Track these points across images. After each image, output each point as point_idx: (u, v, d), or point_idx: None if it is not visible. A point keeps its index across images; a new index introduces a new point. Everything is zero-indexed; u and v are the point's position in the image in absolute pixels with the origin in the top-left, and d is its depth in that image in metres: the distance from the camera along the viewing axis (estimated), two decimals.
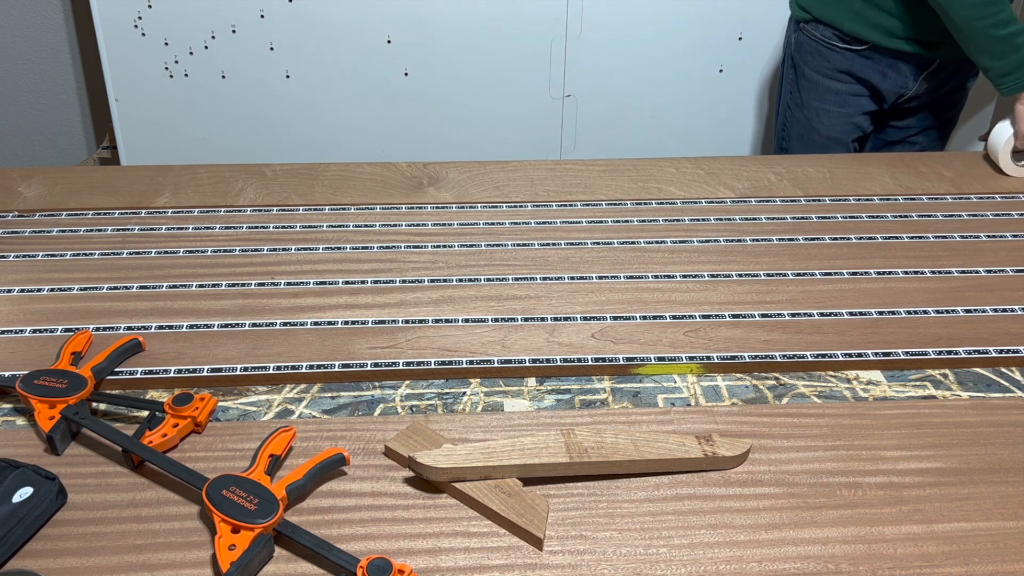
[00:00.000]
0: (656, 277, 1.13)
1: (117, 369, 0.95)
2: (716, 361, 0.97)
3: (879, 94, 1.59)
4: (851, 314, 1.06)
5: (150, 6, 1.95)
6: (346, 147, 2.18)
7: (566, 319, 1.04)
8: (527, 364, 0.97)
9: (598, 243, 1.21)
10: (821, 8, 1.53)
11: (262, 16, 1.99)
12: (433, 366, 0.96)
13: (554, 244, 1.21)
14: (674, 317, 1.05)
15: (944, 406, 0.91)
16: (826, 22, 1.54)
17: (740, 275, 1.14)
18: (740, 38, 2.12)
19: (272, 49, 2.03)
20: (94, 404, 0.89)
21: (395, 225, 1.26)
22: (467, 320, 1.04)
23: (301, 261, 1.17)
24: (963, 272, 1.14)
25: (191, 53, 2.01)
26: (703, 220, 1.28)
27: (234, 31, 2.00)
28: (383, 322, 1.04)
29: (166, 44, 1.99)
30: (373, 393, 0.94)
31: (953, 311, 1.06)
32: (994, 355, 0.98)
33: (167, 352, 0.98)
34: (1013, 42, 1.37)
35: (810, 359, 0.98)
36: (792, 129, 1.67)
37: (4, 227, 1.26)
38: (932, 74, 1.56)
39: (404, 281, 1.12)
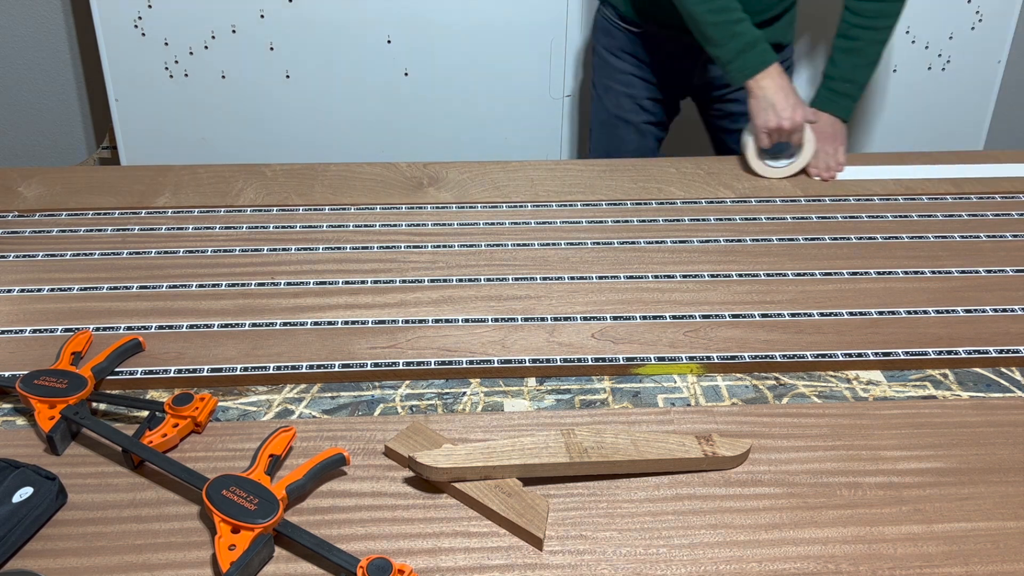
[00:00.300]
0: (656, 277, 1.13)
1: (117, 369, 0.95)
2: (716, 361, 0.97)
3: (668, 78, 1.60)
4: (851, 314, 1.06)
5: (150, 6, 1.95)
6: (346, 147, 2.18)
7: (566, 319, 1.04)
8: (527, 364, 0.97)
9: (598, 243, 1.21)
10: None
11: (262, 16, 1.99)
12: (433, 366, 0.96)
13: (554, 244, 1.21)
14: (674, 317, 1.05)
15: (944, 406, 0.91)
16: (611, 3, 1.57)
17: (740, 275, 1.14)
18: None
19: (272, 49, 2.03)
20: (94, 404, 0.89)
21: (395, 225, 1.26)
22: (467, 320, 1.04)
23: (301, 261, 1.17)
24: (963, 272, 1.14)
25: (191, 53, 2.01)
26: (703, 220, 1.28)
27: (234, 31, 1.99)
28: (383, 322, 1.04)
29: (166, 44, 1.99)
30: (373, 393, 0.94)
31: (953, 311, 1.06)
32: (994, 355, 0.98)
33: (167, 352, 0.98)
34: (731, 29, 1.35)
35: (810, 359, 0.98)
36: (594, 110, 1.69)
37: (4, 227, 1.26)
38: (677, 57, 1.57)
39: (404, 281, 1.12)
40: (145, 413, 0.88)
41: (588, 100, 2.17)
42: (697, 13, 1.36)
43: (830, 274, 1.14)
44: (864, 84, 1.46)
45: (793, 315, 1.05)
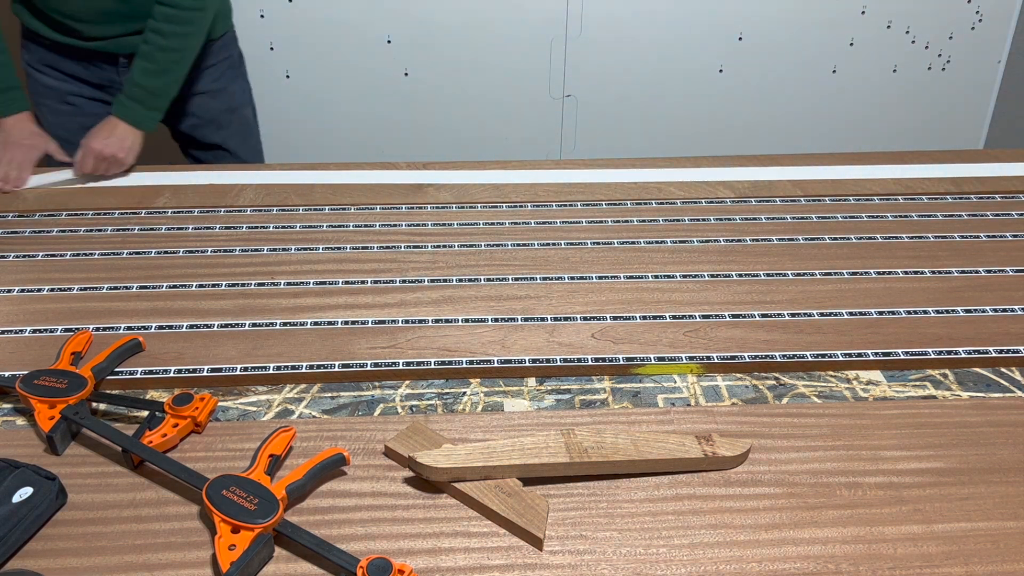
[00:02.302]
0: (656, 277, 1.13)
1: (117, 369, 0.95)
2: (716, 361, 0.97)
3: (105, 90, 1.55)
4: (851, 314, 1.06)
5: None
6: (346, 147, 2.18)
7: (566, 319, 1.04)
8: (527, 364, 0.97)
9: (598, 243, 1.21)
10: (16, 7, 1.50)
11: (262, 16, 1.99)
12: (433, 366, 0.96)
13: (554, 244, 1.21)
14: (674, 317, 1.05)
15: (944, 406, 0.91)
16: (18, 17, 1.51)
17: (740, 275, 1.14)
18: (740, 38, 2.13)
19: (272, 49, 2.03)
20: (94, 404, 0.89)
21: (395, 225, 1.26)
22: (467, 320, 1.04)
23: (301, 261, 1.17)
24: (963, 272, 1.14)
25: None
26: (703, 220, 1.28)
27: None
28: (383, 322, 1.04)
29: None
30: (373, 393, 0.94)
31: (953, 311, 1.06)
32: (994, 355, 0.98)
33: (167, 352, 0.98)
34: None
35: (810, 359, 0.98)
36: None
37: (4, 227, 1.26)
38: (125, 68, 1.51)
39: (404, 281, 1.12)
40: (145, 413, 0.88)
41: (587, 101, 2.17)
42: None
43: (830, 274, 1.14)
44: (158, 93, 1.43)
45: (793, 315, 1.05)
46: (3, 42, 1.41)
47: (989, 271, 1.15)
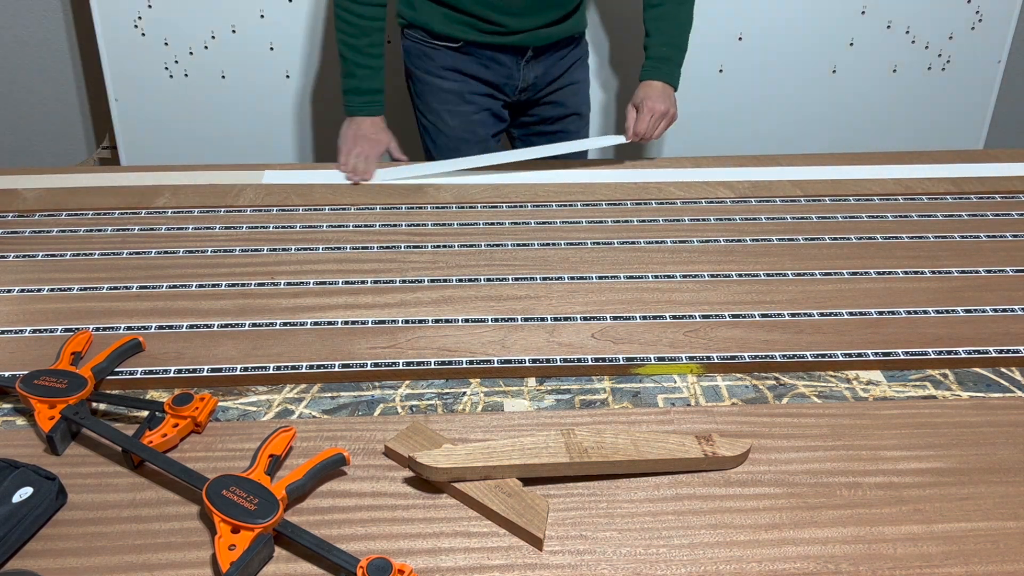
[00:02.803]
0: (656, 277, 1.13)
1: (117, 369, 0.95)
2: (716, 361, 0.97)
3: (496, 88, 1.59)
4: (851, 314, 1.06)
5: (150, 6, 1.95)
6: None
7: (566, 319, 1.04)
8: (527, 364, 0.97)
9: (598, 243, 1.21)
10: (412, 14, 1.54)
11: (262, 16, 1.99)
12: (433, 366, 0.96)
13: (554, 244, 1.21)
14: (674, 317, 1.05)
15: (944, 406, 0.91)
16: (419, 25, 1.54)
17: (740, 275, 1.14)
18: (740, 38, 2.12)
19: (272, 49, 2.03)
20: (94, 404, 0.89)
21: (395, 225, 1.26)
22: (467, 320, 1.04)
23: (301, 261, 1.17)
24: (963, 272, 1.14)
25: (191, 53, 2.01)
26: (703, 220, 1.28)
27: (234, 31, 1.99)
28: (383, 322, 1.04)
29: (166, 44, 1.99)
30: (373, 393, 0.94)
31: (953, 311, 1.06)
32: (994, 355, 0.98)
33: (167, 352, 0.98)
34: (351, 69, 1.49)
35: (810, 359, 0.98)
36: (425, 136, 1.66)
37: (4, 227, 1.26)
38: (530, 62, 1.56)
39: (404, 281, 1.12)
40: (145, 413, 0.88)
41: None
42: (337, 39, 1.49)
43: (830, 274, 1.14)
44: (681, 47, 1.56)
45: (793, 315, 1.05)
46: (383, 47, 1.49)
47: (989, 271, 1.15)
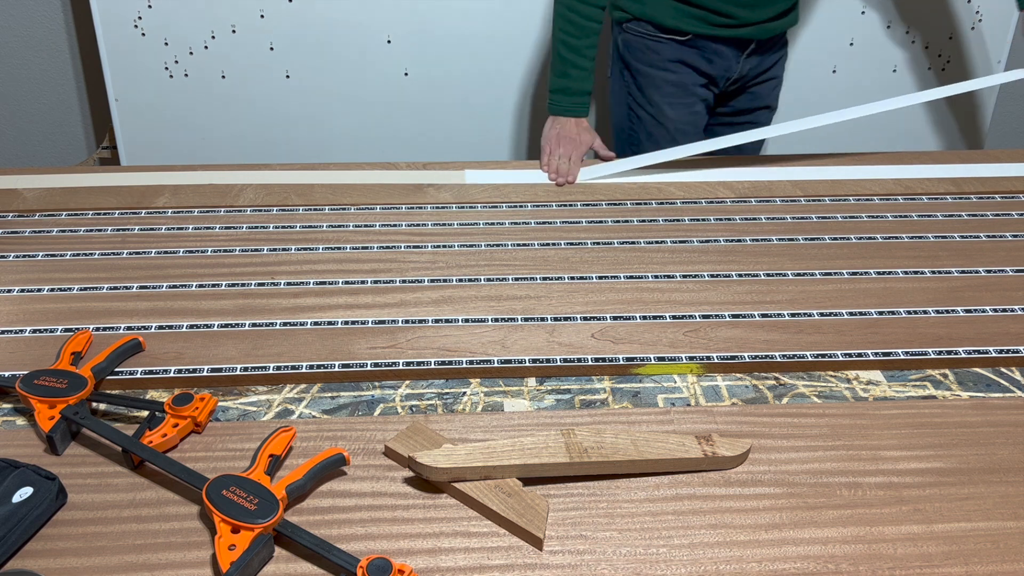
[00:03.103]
0: (656, 277, 1.13)
1: (117, 369, 0.95)
2: (716, 361, 0.97)
3: (710, 80, 1.61)
4: (851, 314, 1.06)
5: (150, 6, 1.95)
6: (346, 147, 2.18)
7: (566, 319, 1.04)
8: (527, 364, 0.97)
9: (598, 243, 1.21)
10: (638, 8, 1.55)
11: (262, 16, 1.99)
12: (433, 366, 0.96)
13: (554, 244, 1.21)
14: (674, 317, 1.05)
15: (944, 406, 0.91)
16: (646, 19, 1.56)
17: (740, 275, 1.14)
18: None
19: (272, 49, 2.03)
20: (94, 404, 0.89)
21: (395, 225, 1.26)
22: (467, 320, 1.04)
23: (301, 261, 1.17)
24: (963, 272, 1.14)
25: (191, 53, 2.01)
26: (703, 220, 1.28)
27: (234, 31, 2.00)
28: (383, 322, 1.04)
29: (166, 44, 1.99)
30: (373, 393, 0.94)
31: (953, 311, 1.06)
32: (994, 355, 0.98)
33: (167, 352, 0.98)
34: (566, 69, 1.49)
35: (810, 359, 0.98)
36: (639, 130, 1.67)
37: (4, 227, 1.26)
38: (751, 55, 1.59)
39: (404, 281, 1.12)
40: (145, 413, 0.88)
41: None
42: (555, 37, 1.49)
43: (830, 274, 1.14)
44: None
45: (793, 315, 1.05)
46: (595, 50, 1.50)
47: (989, 271, 1.15)
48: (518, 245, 1.21)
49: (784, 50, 1.68)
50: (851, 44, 2.14)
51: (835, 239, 1.23)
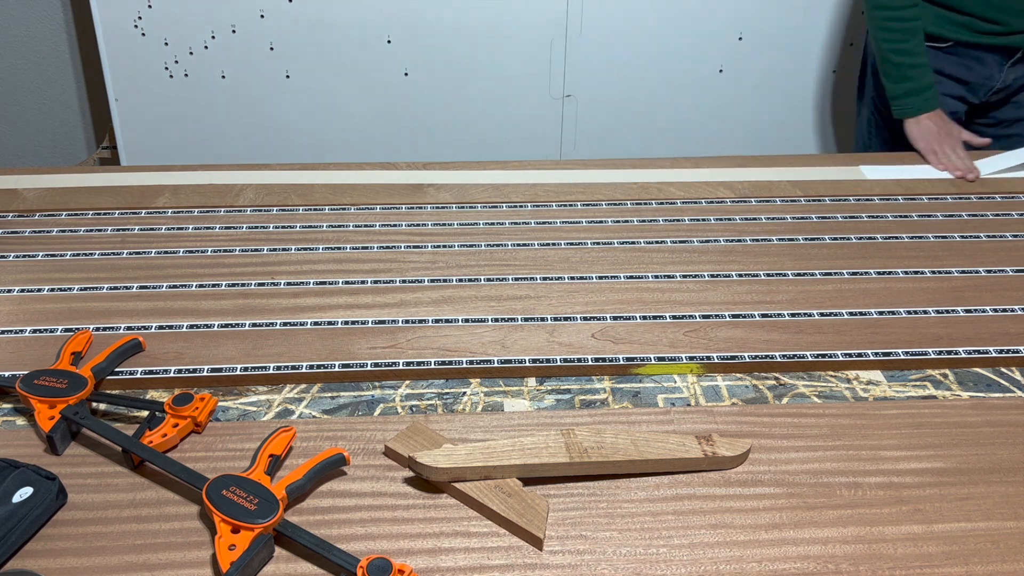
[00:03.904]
0: (656, 277, 1.13)
1: (117, 369, 0.95)
2: (716, 361, 0.97)
3: (969, 88, 1.60)
4: (851, 314, 1.06)
5: (150, 6, 1.95)
6: (346, 147, 2.18)
7: (566, 319, 1.04)
8: (527, 364, 0.97)
9: (598, 243, 1.21)
10: None
11: (262, 16, 1.99)
12: (433, 366, 0.96)
13: (554, 244, 1.21)
14: (674, 317, 1.05)
15: (944, 406, 0.91)
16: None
17: (740, 275, 1.14)
18: (740, 38, 2.13)
19: (272, 49, 2.03)
20: (94, 404, 0.89)
21: (395, 225, 1.26)
22: (467, 320, 1.04)
23: (301, 261, 1.17)
24: (963, 272, 1.14)
25: (191, 53, 2.01)
26: (703, 220, 1.28)
27: (234, 31, 2.00)
28: (383, 322, 1.04)
29: (166, 44, 2.00)
30: (373, 393, 0.94)
31: (953, 311, 1.06)
32: (994, 355, 0.98)
33: (167, 352, 0.98)
34: (904, 72, 1.49)
35: (810, 359, 0.98)
36: (882, 134, 1.67)
37: (4, 227, 1.26)
38: (1016, 63, 1.57)
39: (404, 281, 1.12)
40: (145, 413, 0.88)
41: (587, 101, 2.17)
42: (883, 50, 1.51)
43: (830, 274, 1.14)
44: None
45: (793, 315, 1.05)
46: (924, 43, 1.51)
47: (989, 271, 1.15)
48: (518, 245, 1.21)
49: None
50: (851, 44, 2.14)
51: (835, 239, 1.23)
